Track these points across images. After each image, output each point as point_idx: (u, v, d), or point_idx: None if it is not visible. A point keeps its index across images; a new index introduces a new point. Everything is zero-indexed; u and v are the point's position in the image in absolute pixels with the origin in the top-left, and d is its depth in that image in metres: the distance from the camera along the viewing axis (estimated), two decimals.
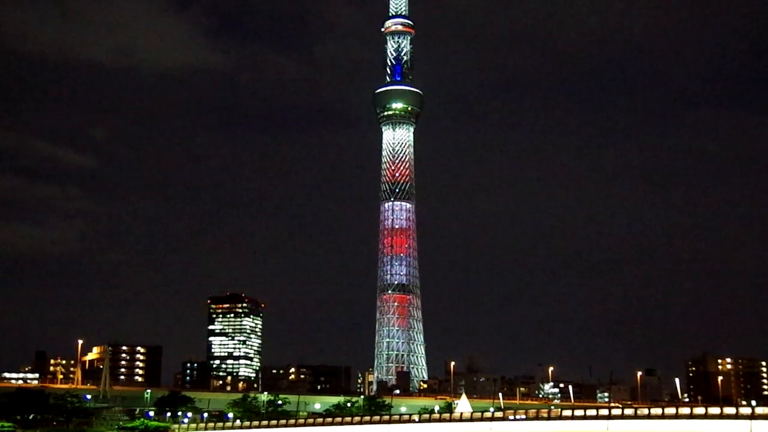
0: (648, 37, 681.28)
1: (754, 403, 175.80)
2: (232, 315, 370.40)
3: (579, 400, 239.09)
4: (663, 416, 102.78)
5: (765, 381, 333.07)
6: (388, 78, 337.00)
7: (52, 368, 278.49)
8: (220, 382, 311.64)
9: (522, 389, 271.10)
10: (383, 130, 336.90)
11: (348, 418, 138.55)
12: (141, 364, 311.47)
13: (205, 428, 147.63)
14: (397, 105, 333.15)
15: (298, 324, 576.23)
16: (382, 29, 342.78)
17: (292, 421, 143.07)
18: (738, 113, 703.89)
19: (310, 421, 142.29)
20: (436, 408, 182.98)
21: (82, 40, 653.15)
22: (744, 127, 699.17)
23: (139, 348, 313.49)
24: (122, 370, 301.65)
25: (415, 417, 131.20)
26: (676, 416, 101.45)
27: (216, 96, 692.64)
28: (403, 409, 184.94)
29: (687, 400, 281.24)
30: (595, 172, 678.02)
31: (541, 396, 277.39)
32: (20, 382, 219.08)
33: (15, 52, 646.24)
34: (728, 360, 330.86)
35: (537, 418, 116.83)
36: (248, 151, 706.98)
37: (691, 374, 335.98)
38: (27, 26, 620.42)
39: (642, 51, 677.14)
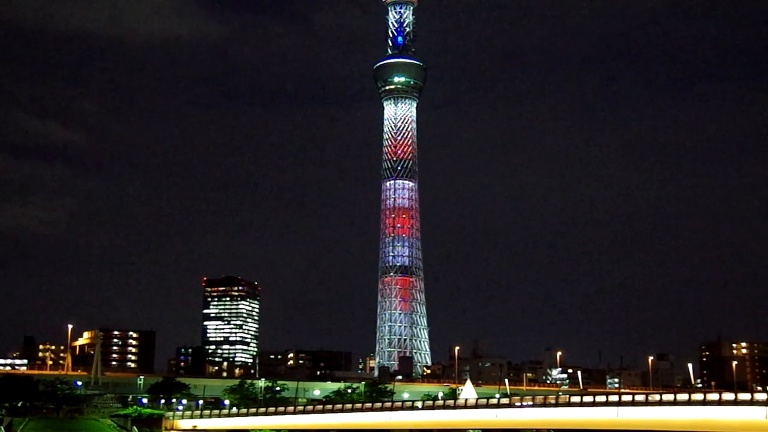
0: (660, 9, 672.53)
1: None
2: (228, 298, 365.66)
3: (588, 386, 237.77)
4: (675, 402, 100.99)
5: None
6: (389, 50, 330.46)
7: (41, 354, 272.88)
8: (216, 368, 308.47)
9: (529, 375, 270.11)
10: (384, 105, 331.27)
11: (348, 405, 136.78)
12: (133, 350, 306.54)
13: (201, 416, 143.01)
14: (399, 79, 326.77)
15: (297, 308, 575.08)
16: None
17: (291, 408, 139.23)
18: (753, 87, 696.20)
19: (310, 408, 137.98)
20: (440, 394, 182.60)
21: (69, 8, 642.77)
22: (757, 101, 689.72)
23: (131, 333, 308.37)
24: (114, 355, 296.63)
25: (419, 404, 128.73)
26: (689, 402, 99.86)
27: (210, 68, 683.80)
28: (405, 396, 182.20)
29: (700, 385, 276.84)
30: (604, 149, 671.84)
31: (548, 382, 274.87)
32: (8, 368, 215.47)
33: None
34: (743, 344, 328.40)
35: (544, 404, 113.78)
36: (243, 126, 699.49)
37: (704, 359, 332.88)
38: None
39: (654, 23, 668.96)
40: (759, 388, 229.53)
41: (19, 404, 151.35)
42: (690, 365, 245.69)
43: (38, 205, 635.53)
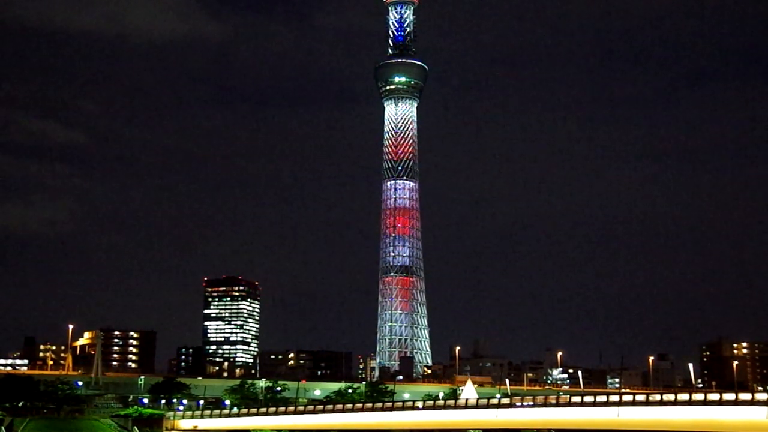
0: (660, 9, 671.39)
1: None
2: (229, 298, 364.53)
3: (589, 386, 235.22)
4: (676, 402, 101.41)
5: None
6: (390, 50, 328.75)
7: (41, 354, 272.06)
8: (217, 368, 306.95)
9: (529, 375, 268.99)
10: (385, 105, 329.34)
11: (349, 405, 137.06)
12: (134, 350, 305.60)
13: (201, 416, 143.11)
14: (400, 79, 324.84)
15: (297, 308, 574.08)
16: None
17: (292, 408, 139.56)
18: (750, 88, 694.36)
19: (310, 408, 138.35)
20: (441, 394, 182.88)
21: (69, 8, 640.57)
22: (758, 102, 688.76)
23: (132, 333, 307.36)
24: (115, 356, 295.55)
25: (419, 404, 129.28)
26: (690, 402, 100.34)
27: (210, 68, 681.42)
28: (406, 396, 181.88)
29: (701, 385, 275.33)
30: (605, 149, 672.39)
31: (549, 382, 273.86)
32: (9, 368, 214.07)
33: None
34: (744, 344, 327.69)
35: (545, 404, 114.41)
36: (243, 126, 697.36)
37: (705, 359, 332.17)
38: None
39: (654, 23, 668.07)
40: (760, 388, 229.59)
41: (20, 404, 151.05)
42: (691, 365, 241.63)
43: (39, 205, 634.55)
